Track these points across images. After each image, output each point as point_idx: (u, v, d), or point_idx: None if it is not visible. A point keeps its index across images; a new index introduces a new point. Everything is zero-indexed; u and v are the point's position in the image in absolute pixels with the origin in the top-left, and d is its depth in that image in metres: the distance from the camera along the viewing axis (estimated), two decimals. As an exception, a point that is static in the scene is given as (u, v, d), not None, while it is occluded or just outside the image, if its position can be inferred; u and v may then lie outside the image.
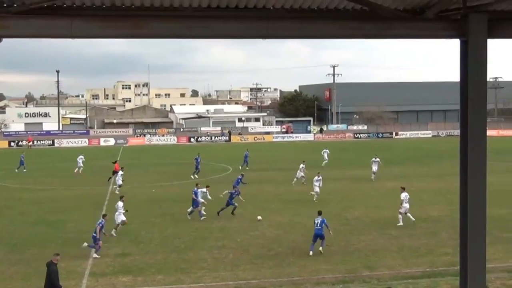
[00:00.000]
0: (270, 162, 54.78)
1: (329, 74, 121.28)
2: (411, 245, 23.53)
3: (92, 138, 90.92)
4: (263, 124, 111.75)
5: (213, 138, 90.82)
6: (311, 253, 22.21)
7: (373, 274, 19.85)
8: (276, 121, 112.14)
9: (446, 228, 25.64)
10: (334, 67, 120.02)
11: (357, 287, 18.78)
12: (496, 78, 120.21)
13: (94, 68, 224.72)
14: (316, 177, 34.32)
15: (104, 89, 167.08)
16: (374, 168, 42.44)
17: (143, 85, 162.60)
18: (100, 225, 22.65)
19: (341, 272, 20.11)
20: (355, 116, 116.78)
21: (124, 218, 25.83)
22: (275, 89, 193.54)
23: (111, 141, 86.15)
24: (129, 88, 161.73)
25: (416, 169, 48.98)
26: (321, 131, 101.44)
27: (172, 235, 25.79)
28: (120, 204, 26.06)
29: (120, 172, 38.87)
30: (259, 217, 28.26)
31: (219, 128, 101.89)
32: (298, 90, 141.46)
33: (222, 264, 21.34)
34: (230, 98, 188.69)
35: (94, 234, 22.50)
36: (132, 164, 52.95)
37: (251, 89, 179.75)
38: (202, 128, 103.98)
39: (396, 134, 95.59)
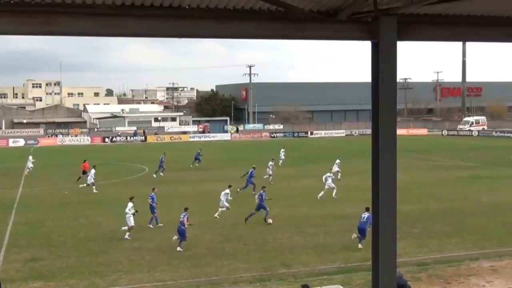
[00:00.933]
0: (187, 162, 54.40)
1: (245, 74, 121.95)
2: (326, 242, 24.04)
3: (0, 138, 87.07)
4: (180, 124, 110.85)
5: (128, 138, 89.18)
6: (360, 246, 22.76)
7: (289, 272, 20.13)
8: (193, 121, 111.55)
9: (359, 225, 26.33)
10: (250, 67, 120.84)
11: (274, 284, 18.98)
12: (405, 79, 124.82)
13: (1, 66, 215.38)
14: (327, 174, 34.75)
15: (13, 87, 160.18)
16: (336, 169, 40.35)
17: (55, 84, 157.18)
18: (186, 217, 23.20)
19: (258, 270, 20.27)
20: (271, 115, 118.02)
21: (132, 223, 24.82)
22: (192, 89, 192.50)
23: (21, 142, 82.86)
24: (40, 86, 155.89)
25: (331, 167, 50.03)
26: (237, 130, 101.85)
27: (86, 238, 25.12)
28: (130, 205, 25.07)
29: (93, 171, 38.10)
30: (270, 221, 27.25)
31: (135, 128, 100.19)
32: (214, 89, 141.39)
33: (138, 266, 20.99)
34: (146, 97, 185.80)
35: (182, 227, 22.98)
36: (43, 165, 51.16)
37: (167, 89, 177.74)
38: (117, 128, 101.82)
39: (311, 133, 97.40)
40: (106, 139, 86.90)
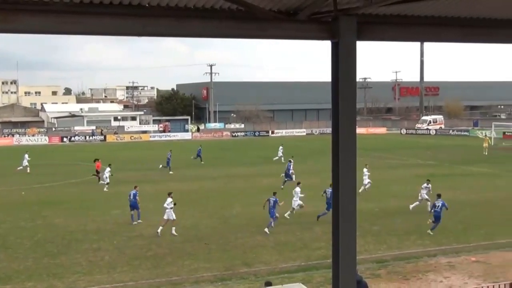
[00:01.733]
0: (148, 162, 53.97)
1: (206, 73, 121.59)
2: (288, 240, 24.17)
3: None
4: (140, 123, 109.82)
5: (87, 138, 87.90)
6: (431, 232, 24.45)
7: (251, 270, 20.18)
8: (153, 120, 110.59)
9: (320, 223, 26.56)
10: (211, 66, 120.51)
11: (235, 284, 18.99)
12: (365, 78, 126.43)
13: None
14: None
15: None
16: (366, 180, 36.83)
17: (11, 83, 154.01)
18: (274, 200, 25.68)
19: (219, 270, 20.25)
20: (232, 114, 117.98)
21: (174, 216, 25.38)
22: (152, 88, 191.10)
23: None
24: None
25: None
26: (198, 130, 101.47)
27: (44, 240, 24.69)
28: (169, 200, 25.48)
29: (108, 169, 38.30)
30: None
31: (94, 127, 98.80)
32: (175, 88, 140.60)
33: (97, 267, 20.73)
34: (105, 96, 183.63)
35: (273, 210, 25.35)
36: (-1, 165, 50.06)
37: (127, 88, 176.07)
38: (76, 128, 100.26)
39: (272, 132, 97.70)
40: (65, 139, 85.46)
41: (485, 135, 67.96)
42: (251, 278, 19.46)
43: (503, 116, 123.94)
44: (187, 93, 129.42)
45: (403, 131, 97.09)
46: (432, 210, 25.42)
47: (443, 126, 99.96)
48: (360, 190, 32.64)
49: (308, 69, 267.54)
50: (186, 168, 41.82)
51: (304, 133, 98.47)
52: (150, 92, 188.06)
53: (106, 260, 21.51)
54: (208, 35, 8.35)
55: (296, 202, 28.23)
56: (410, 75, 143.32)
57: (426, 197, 29.69)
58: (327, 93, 8.62)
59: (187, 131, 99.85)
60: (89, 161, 53.20)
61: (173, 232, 25.24)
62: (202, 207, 31.78)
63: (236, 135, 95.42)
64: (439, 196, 25.45)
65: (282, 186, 35.94)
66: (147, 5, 7.95)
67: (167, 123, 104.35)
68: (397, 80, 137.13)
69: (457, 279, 18.88)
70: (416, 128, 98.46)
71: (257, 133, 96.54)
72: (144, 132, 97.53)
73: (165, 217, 25.36)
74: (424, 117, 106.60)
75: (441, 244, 23.28)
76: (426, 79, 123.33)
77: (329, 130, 16.70)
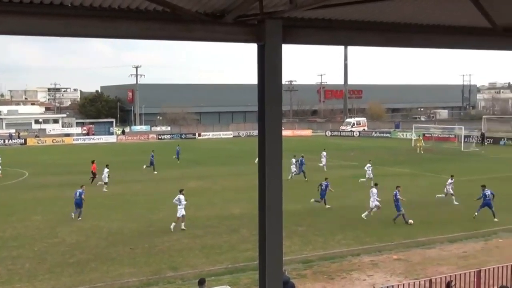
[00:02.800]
0: (71, 165, 52.57)
1: (132, 74, 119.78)
2: (214, 243, 24.12)
3: None
4: (63, 126, 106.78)
5: (6, 141, 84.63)
6: (476, 214, 27.65)
7: (177, 275, 20.00)
8: (77, 123, 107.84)
9: (247, 225, 26.65)
10: (137, 67, 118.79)
11: (162, 288, 18.77)
12: (291, 81, 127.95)
13: None
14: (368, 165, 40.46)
15: None
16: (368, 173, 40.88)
17: None
18: (326, 184, 31.05)
19: (145, 275, 19.95)
20: (158, 117, 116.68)
21: (184, 212, 26.31)
22: (75, 90, 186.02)
23: None
24: None
25: (219, 168, 50.32)
26: (123, 132, 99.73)
27: (-40, 247, 23.58)
28: (182, 197, 26.37)
29: (106, 170, 38.71)
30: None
31: (13, 130, 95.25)
32: (99, 90, 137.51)
33: (17, 275, 19.96)
34: (25, 98, 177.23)
35: (324, 193, 30.83)
36: None
37: (49, 89, 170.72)
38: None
39: (199, 135, 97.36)
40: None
41: (419, 136, 70.22)
42: (178, 282, 19.29)
43: (422, 118, 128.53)
44: (112, 95, 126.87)
45: (328, 133, 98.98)
46: (482, 199, 28.09)
47: (366, 128, 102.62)
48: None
49: (235, 71, 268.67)
50: (111, 171, 40.90)
51: (231, 136, 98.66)
52: (73, 94, 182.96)
53: (27, 268, 20.75)
54: (133, 37, 8.22)
55: (374, 202, 28.63)
56: (335, 78, 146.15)
57: (451, 192, 32.53)
58: (254, 95, 8.66)
59: (112, 134, 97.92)
60: (7, 165, 51.26)
61: (183, 227, 26.27)
62: (127, 210, 31.25)
63: (163, 138, 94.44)
64: (484, 186, 28.49)
65: (306, 179, 41.26)
66: (69, 5, 7.73)
67: (91, 126, 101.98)
68: (322, 83, 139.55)
69: (379, 277, 19.39)
70: (340, 130, 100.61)
71: (183, 136, 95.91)
72: (67, 135, 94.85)
73: (178, 214, 26.35)
74: (348, 120, 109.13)
75: (365, 243, 23.85)
76: (350, 82, 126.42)
77: (256, 132, 16.97)
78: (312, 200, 31.60)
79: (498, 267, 14.60)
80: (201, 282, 14.70)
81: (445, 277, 14.48)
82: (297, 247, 23.30)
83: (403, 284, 15.00)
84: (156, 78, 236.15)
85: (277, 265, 8.37)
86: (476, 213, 28.03)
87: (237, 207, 31.62)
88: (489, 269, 14.55)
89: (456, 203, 32.00)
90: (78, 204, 28.99)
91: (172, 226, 26.15)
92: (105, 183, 38.25)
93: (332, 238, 24.80)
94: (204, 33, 8.05)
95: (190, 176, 44.29)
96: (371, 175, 40.01)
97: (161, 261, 21.55)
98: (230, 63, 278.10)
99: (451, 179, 32.78)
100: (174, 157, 55.04)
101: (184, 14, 7.70)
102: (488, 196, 27.76)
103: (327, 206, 31.48)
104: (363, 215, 28.56)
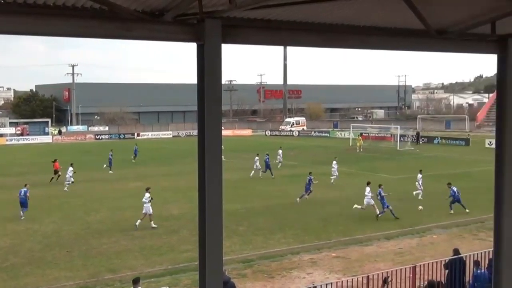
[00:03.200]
0: (6, 167, 50.95)
1: (68, 73, 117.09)
2: (154, 244, 23.88)
3: None
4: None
5: None
6: (451, 211, 29.15)
7: (116, 277, 19.69)
8: (10, 123, 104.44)
9: (187, 225, 26.53)
10: (73, 66, 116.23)
11: (100, 291, 18.45)
12: (231, 81, 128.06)
13: None
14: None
15: None
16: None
17: None
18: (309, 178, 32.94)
19: (82, 278, 19.55)
20: (96, 117, 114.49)
21: (151, 211, 26.79)
22: (9, 89, 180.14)
23: None
24: None
25: (158, 168, 49.86)
26: (59, 133, 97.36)
27: None
28: (147, 195, 26.86)
29: (70, 169, 38.81)
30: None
31: None
32: (34, 90, 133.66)
33: None
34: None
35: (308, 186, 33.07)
36: None
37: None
38: None
39: (138, 134, 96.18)
40: None
41: (358, 135, 71.50)
42: (117, 284, 19.00)
43: (360, 118, 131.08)
44: (47, 94, 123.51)
45: (268, 132, 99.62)
46: (451, 197, 30.03)
47: (305, 128, 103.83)
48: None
49: (175, 70, 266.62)
50: (44, 173, 39.96)
51: (171, 136, 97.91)
52: (6, 93, 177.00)
53: (-43, 273, 20.00)
54: (69, 35, 8.02)
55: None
56: (274, 78, 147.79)
57: (420, 187, 34.53)
58: (194, 95, 8.61)
59: (47, 134, 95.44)
60: None
61: (153, 225, 26.47)
62: (63, 212, 30.56)
63: (100, 138, 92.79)
64: (450, 184, 30.39)
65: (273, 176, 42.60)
66: (2, 1, 7.48)
67: (25, 126, 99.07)
68: (262, 83, 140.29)
69: (319, 275, 19.66)
70: (280, 129, 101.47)
71: (122, 136, 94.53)
72: (0, 135, 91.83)
73: (144, 211, 26.65)
74: (288, 119, 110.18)
75: (304, 242, 24.14)
76: (289, 82, 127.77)
77: (196, 132, 16.88)
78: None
79: (432, 263, 15.04)
80: (136, 281, 14.63)
81: (382, 273, 14.81)
82: (238, 246, 23.34)
83: (342, 281, 15.25)
84: (93, 77, 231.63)
85: (217, 265, 8.34)
86: (451, 211, 29.47)
87: (177, 208, 31.42)
88: (424, 264, 14.98)
89: (420, 198, 33.49)
90: (23, 203, 29.31)
91: (137, 223, 26.50)
92: (71, 183, 38.66)
93: (272, 237, 24.97)
94: (143, 32, 7.93)
95: (128, 177, 43.72)
96: (336, 173, 40.93)
97: (99, 264, 21.16)
98: (169, 62, 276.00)
99: (420, 174, 34.87)
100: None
101: (122, 12, 7.57)
102: (456, 193, 29.71)
103: (298, 199, 32.84)
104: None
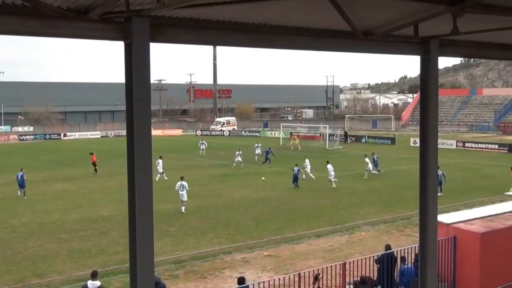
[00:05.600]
0: None
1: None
2: (82, 247, 23.33)
3: None
4: None
5: None
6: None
7: (43, 281, 19.11)
8: None
9: (117, 227, 26.07)
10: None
11: (26, 297, 17.85)
12: (160, 80, 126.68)
13: None
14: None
15: None
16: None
17: None
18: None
19: (7, 283, 18.86)
20: (19, 117, 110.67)
21: (186, 198, 30.22)
22: None
23: None
24: None
25: (86, 169, 48.66)
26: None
27: None
28: (185, 183, 30.19)
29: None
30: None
31: None
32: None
33: None
34: None
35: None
36: None
37: None
38: None
39: (65, 135, 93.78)
40: None
41: (294, 134, 72.20)
42: (44, 289, 18.44)
43: (290, 118, 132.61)
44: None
45: (198, 132, 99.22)
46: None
47: (236, 127, 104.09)
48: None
49: (103, 69, 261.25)
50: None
51: (99, 136, 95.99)
52: None
53: None
54: (-12, 31, 7.72)
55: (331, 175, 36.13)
56: (204, 78, 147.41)
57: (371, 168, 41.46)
58: (122, 94, 8.46)
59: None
60: None
61: (183, 210, 29.81)
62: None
63: (25, 138, 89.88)
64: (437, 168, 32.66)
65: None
66: None
67: None
68: (192, 83, 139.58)
69: (251, 274, 19.73)
70: (210, 129, 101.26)
71: (48, 136, 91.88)
72: None
73: (185, 199, 30.21)
74: (218, 119, 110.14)
75: (236, 241, 24.18)
76: (219, 82, 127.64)
77: (124, 132, 16.59)
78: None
79: (361, 259, 15.36)
80: (94, 274, 14.55)
81: (313, 270, 15.02)
82: (169, 247, 23.13)
83: (274, 279, 15.36)
84: (17, 76, 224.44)
85: (148, 266, 8.24)
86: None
87: (106, 209, 30.82)
88: (353, 261, 15.27)
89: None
90: (21, 185, 34.40)
91: (183, 210, 29.69)
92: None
93: (204, 237, 24.89)
94: (68, 30, 7.73)
95: (55, 178, 42.53)
96: (309, 170, 41.98)
97: (24, 269, 20.48)
98: (97, 61, 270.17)
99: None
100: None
101: (45, 9, 7.35)
102: (440, 176, 31.36)
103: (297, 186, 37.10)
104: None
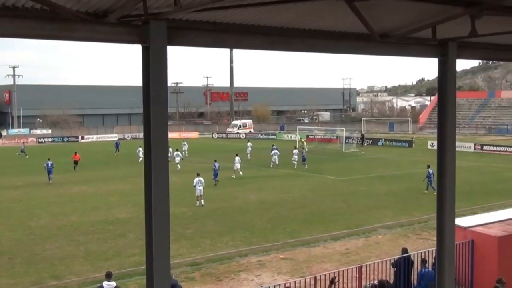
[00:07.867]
0: None
1: (8, 75, 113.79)
2: (99, 249, 23.46)
3: None
4: None
5: None
6: (432, 191, 30.90)
7: (61, 283, 19.25)
8: None
9: (133, 229, 26.19)
10: (14, 67, 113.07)
11: (44, 298, 18.00)
12: (177, 83, 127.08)
13: None
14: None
15: None
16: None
17: None
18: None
19: (25, 285, 19.03)
20: (38, 119, 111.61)
21: (202, 193, 32.56)
22: None
23: None
24: None
25: (103, 172, 49.02)
26: (0, 136, 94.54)
27: None
28: (202, 179, 32.71)
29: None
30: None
31: None
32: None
33: None
34: None
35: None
36: None
37: None
38: None
39: (82, 137, 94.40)
40: None
41: (301, 138, 72.14)
42: (61, 291, 18.58)
43: (306, 120, 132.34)
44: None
45: (215, 135, 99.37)
46: (427, 178, 35.21)
47: (252, 130, 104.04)
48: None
49: (121, 72, 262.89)
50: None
51: (116, 138, 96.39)
52: None
53: None
54: (9, 35, 7.81)
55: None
56: (221, 81, 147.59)
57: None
58: (139, 97, 8.51)
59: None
60: None
61: (202, 203, 32.28)
62: (4, 218, 29.68)
63: (43, 141, 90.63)
64: (428, 166, 34.74)
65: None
66: None
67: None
68: (208, 85, 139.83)
69: (267, 277, 19.72)
70: (227, 132, 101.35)
71: (65, 139, 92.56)
72: None
73: (201, 194, 32.49)
74: (235, 122, 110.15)
75: (252, 244, 24.17)
76: (236, 84, 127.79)
77: (141, 135, 16.79)
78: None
79: (378, 262, 15.28)
80: (109, 275, 14.58)
81: (329, 273, 14.96)
82: (185, 250, 23.19)
83: (290, 283, 15.33)
84: (35, 79, 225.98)
85: (164, 269, 8.27)
86: (430, 191, 33.03)
87: (123, 212, 30.97)
88: (369, 264, 15.20)
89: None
90: (50, 171, 41.01)
91: (202, 203, 32.18)
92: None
93: (220, 240, 24.91)
94: (86, 33, 7.80)
95: (73, 181, 42.83)
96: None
97: (42, 270, 20.64)
98: (114, 64, 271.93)
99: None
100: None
101: (65, 13, 7.42)
102: (432, 175, 33.31)
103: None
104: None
